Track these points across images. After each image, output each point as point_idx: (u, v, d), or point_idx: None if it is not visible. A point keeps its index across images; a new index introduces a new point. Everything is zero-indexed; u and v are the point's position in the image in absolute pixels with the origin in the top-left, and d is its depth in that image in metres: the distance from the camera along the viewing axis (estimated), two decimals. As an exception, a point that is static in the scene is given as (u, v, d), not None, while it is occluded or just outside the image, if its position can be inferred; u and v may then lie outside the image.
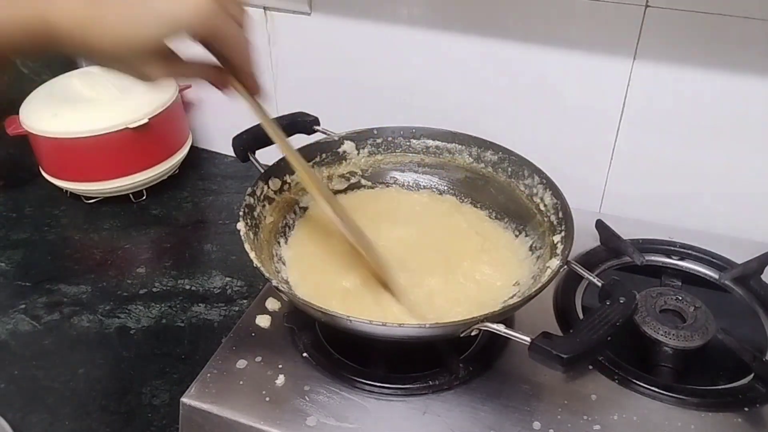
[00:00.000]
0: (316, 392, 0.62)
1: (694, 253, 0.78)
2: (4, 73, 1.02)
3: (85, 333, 0.77)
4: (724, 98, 0.76)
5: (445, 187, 0.80)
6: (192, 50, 0.51)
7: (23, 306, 0.80)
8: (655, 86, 0.78)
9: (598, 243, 0.79)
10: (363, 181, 0.80)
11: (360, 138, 0.79)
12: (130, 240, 0.92)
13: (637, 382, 0.62)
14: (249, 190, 0.69)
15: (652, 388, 0.62)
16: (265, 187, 0.71)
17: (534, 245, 0.70)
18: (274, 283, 0.58)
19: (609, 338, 0.52)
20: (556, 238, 0.66)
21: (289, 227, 0.74)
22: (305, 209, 0.76)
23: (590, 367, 0.64)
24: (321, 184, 0.67)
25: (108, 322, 0.78)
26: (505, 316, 0.59)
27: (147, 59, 0.47)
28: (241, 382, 0.63)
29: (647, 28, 0.75)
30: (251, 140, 0.74)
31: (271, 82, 0.99)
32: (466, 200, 0.79)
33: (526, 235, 0.72)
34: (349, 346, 0.66)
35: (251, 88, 0.55)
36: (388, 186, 0.81)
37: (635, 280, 0.76)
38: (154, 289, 0.82)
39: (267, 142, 0.75)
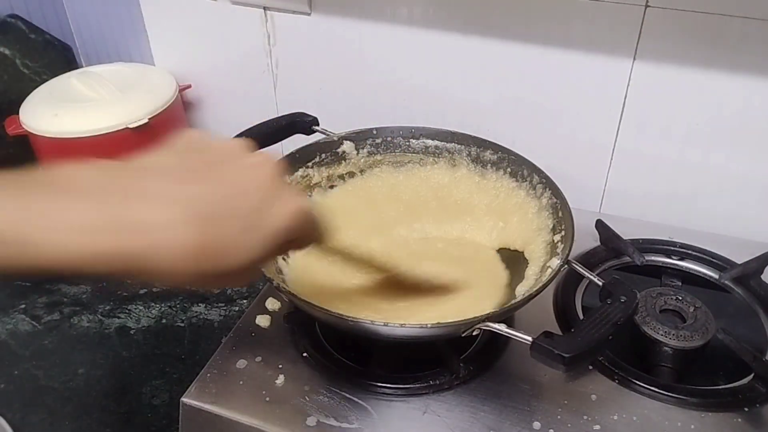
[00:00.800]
0: (316, 392, 0.62)
1: (694, 253, 0.78)
2: (5, 73, 1.02)
3: (85, 333, 0.77)
4: (724, 98, 0.76)
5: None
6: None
7: (23, 306, 0.80)
8: (655, 86, 0.78)
9: (598, 243, 0.79)
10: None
11: (359, 138, 0.79)
12: (130, 240, 0.92)
13: (637, 382, 0.62)
14: (249, 190, 0.69)
15: (652, 388, 0.62)
16: (265, 187, 0.71)
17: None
18: (275, 283, 0.58)
19: (610, 337, 0.52)
20: (557, 238, 0.66)
21: (289, 227, 0.74)
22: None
23: (590, 367, 0.64)
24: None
25: (108, 322, 0.78)
26: (506, 316, 0.59)
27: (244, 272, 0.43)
28: (241, 382, 0.63)
29: (647, 28, 0.75)
30: (251, 140, 0.73)
31: (271, 82, 0.99)
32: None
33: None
34: (349, 346, 0.66)
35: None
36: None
37: (635, 280, 0.76)
38: (154, 289, 0.82)
39: (266, 142, 0.75)
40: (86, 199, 0.37)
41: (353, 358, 0.65)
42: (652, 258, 0.78)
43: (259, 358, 0.65)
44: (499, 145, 0.76)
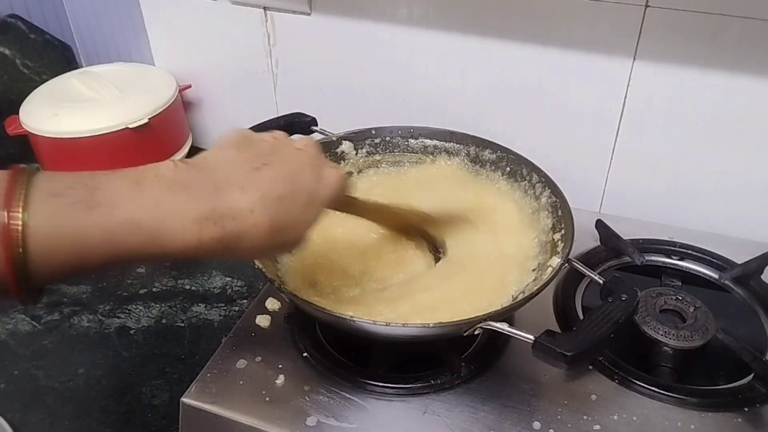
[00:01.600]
0: (316, 392, 0.62)
1: (694, 253, 0.78)
2: (5, 73, 1.02)
3: (85, 333, 0.77)
4: (724, 98, 0.76)
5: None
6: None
7: (23, 306, 0.80)
8: (655, 86, 0.78)
9: (598, 243, 0.79)
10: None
11: (358, 138, 0.79)
12: (130, 240, 0.92)
13: (637, 382, 0.62)
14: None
15: (652, 388, 0.62)
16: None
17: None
18: (276, 283, 0.58)
19: (612, 335, 0.52)
20: (556, 237, 0.66)
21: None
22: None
23: (590, 367, 0.64)
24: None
25: (108, 322, 0.78)
26: (508, 315, 0.59)
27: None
28: (241, 382, 0.63)
29: (647, 28, 0.75)
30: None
31: (271, 82, 0.99)
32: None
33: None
34: (349, 346, 0.66)
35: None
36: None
37: (635, 280, 0.76)
38: (154, 289, 0.82)
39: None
40: (185, 192, 0.42)
41: (353, 358, 0.65)
42: (652, 258, 0.78)
43: (259, 358, 0.65)
44: (497, 144, 0.76)
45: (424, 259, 0.70)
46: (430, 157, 0.79)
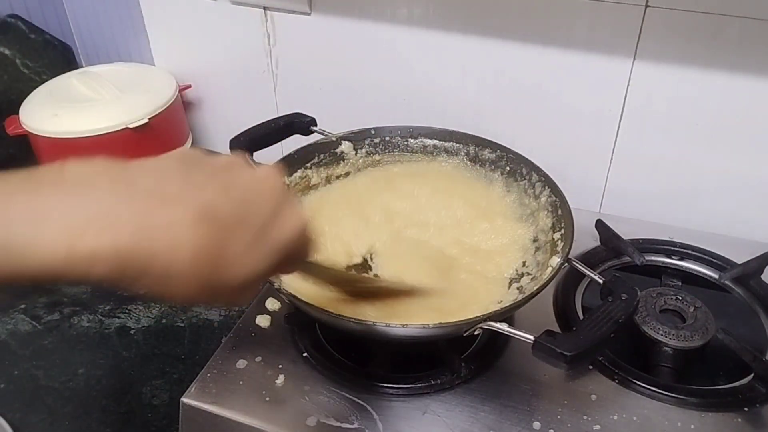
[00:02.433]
0: (316, 392, 0.62)
1: (694, 253, 0.78)
2: (5, 73, 1.02)
3: (85, 333, 0.77)
4: (724, 98, 0.76)
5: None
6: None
7: (23, 306, 0.80)
8: (655, 86, 0.78)
9: (598, 243, 0.79)
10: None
11: (357, 138, 0.79)
12: (130, 240, 0.92)
13: (637, 382, 0.62)
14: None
15: (652, 388, 0.62)
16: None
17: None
18: (276, 284, 0.58)
19: (612, 335, 0.52)
20: (556, 236, 0.66)
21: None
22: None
23: (590, 367, 0.64)
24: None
25: (108, 322, 0.78)
26: (508, 315, 0.59)
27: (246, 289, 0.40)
28: (241, 382, 0.63)
29: (647, 28, 0.75)
30: (249, 142, 0.74)
31: (271, 82, 0.99)
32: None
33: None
34: (349, 346, 0.66)
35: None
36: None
37: (635, 280, 0.76)
38: (154, 289, 0.82)
39: (264, 143, 0.75)
40: (77, 194, 0.33)
41: (353, 358, 0.65)
42: (652, 258, 0.78)
43: (259, 358, 0.65)
44: (497, 143, 0.76)
45: None
46: (430, 156, 0.79)
